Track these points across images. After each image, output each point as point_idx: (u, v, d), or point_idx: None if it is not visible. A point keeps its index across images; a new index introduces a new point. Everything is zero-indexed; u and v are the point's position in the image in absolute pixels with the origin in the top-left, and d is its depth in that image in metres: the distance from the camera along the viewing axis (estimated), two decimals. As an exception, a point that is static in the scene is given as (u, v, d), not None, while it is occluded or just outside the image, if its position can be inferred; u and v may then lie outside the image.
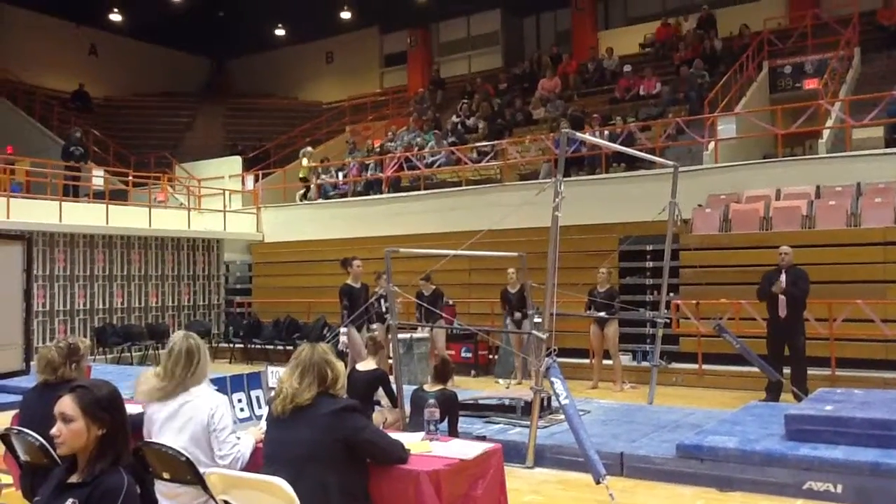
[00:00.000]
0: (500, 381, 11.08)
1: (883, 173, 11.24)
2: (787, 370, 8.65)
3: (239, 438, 3.61)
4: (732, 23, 17.79)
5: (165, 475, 3.43)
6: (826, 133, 12.80)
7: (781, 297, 8.63)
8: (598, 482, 5.11)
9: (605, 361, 10.43)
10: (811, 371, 8.87)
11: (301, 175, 18.08)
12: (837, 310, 9.56)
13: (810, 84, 14.53)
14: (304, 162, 18.15)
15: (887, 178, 11.15)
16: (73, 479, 2.69)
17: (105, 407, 2.76)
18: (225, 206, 17.15)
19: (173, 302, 15.60)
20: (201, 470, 3.36)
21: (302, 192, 18.13)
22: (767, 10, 17.66)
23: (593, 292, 10.21)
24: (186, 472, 3.35)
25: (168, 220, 15.86)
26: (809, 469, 5.29)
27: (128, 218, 15.00)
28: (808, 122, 12.80)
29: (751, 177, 12.41)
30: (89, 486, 2.61)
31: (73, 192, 15.51)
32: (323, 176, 18.09)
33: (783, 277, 8.65)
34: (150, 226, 15.23)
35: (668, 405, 8.25)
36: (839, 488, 5.15)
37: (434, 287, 10.78)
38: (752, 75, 15.37)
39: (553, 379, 5.93)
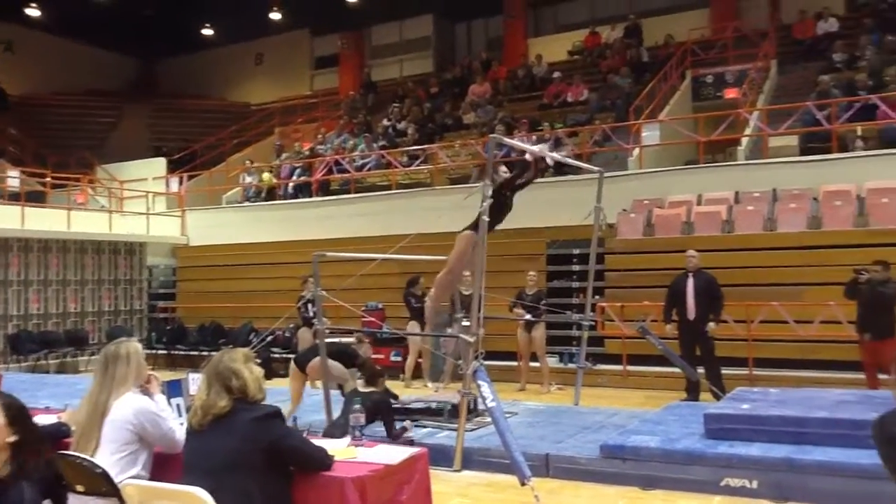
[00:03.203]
0: (430, 384, 11.08)
1: (798, 180, 11.70)
2: (702, 370, 8.91)
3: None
4: (658, 33, 18.26)
5: (79, 487, 3.33)
6: (745, 141, 13.24)
7: (690, 299, 8.89)
8: (523, 484, 5.16)
9: (533, 364, 10.54)
10: (729, 371, 9.16)
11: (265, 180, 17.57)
12: (754, 312, 9.88)
13: (730, 93, 14.97)
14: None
15: (801, 185, 11.61)
16: None
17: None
18: (148, 209, 16.71)
19: (94, 307, 15.10)
20: (119, 479, 3.28)
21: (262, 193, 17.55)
22: (691, 21, 18.18)
23: (521, 295, 10.30)
24: (101, 484, 3.25)
25: (88, 223, 15.35)
26: (727, 466, 5.46)
27: (45, 220, 14.45)
28: (728, 130, 13.18)
29: (674, 182, 12.73)
30: None
31: (-15, 193, 14.91)
32: (248, 178, 17.79)
33: (690, 284, 8.92)
34: (69, 229, 14.72)
35: (594, 406, 8.40)
36: (755, 484, 5.32)
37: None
38: (675, 84, 15.79)
39: (480, 382, 5.96)
